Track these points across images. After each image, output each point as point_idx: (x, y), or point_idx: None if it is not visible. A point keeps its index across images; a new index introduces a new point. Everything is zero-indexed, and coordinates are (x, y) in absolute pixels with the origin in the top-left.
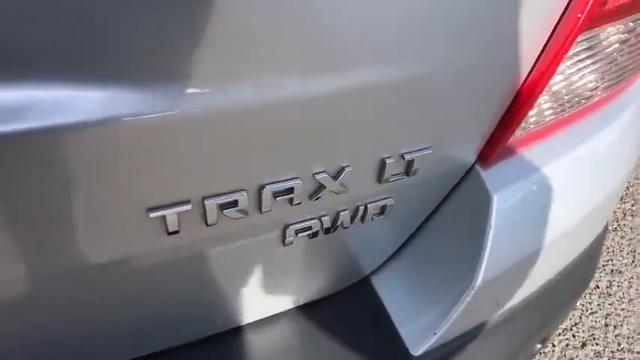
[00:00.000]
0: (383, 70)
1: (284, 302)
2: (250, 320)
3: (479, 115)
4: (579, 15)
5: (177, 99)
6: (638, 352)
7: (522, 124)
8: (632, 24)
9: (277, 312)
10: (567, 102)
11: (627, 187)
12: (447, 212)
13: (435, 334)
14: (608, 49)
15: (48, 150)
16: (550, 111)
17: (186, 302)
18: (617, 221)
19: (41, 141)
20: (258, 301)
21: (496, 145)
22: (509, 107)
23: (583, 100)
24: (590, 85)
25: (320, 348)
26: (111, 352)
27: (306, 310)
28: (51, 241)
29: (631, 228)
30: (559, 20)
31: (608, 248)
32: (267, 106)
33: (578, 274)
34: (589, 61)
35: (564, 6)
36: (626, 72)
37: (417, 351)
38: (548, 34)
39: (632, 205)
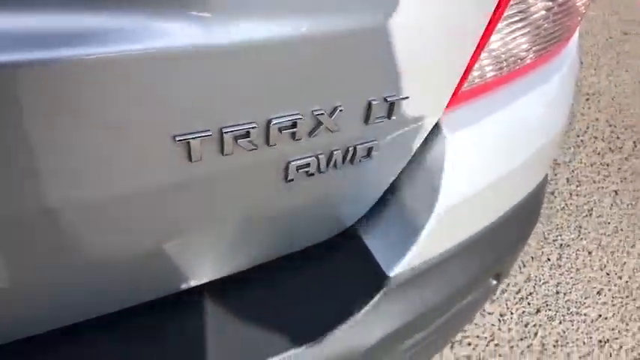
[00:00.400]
0: (371, 18)
1: (280, 248)
2: (249, 265)
3: (442, 68)
4: None
5: (207, 30)
6: (585, 315)
7: (469, 78)
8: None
9: (273, 258)
10: (505, 61)
11: (573, 170)
12: (416, 155)
13: (404, 258)
14: (535, 16)
15: (97, 75)
16: (490, 67)
17: (191, 242)
18: (565, 201)
19: (93, 66)
20: (259, 245)
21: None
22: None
23: (519, 61)
24: (524, 47)
25: (298, 278)
26: (105, 298)
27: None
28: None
29: (577, 207)
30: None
31: (557, 225)
32: (276, 44)
33: (525, 214)
34: (520, 25)
35: None
36: (554, 39)
37: (391, 273)
38: None
39: (577, 187)
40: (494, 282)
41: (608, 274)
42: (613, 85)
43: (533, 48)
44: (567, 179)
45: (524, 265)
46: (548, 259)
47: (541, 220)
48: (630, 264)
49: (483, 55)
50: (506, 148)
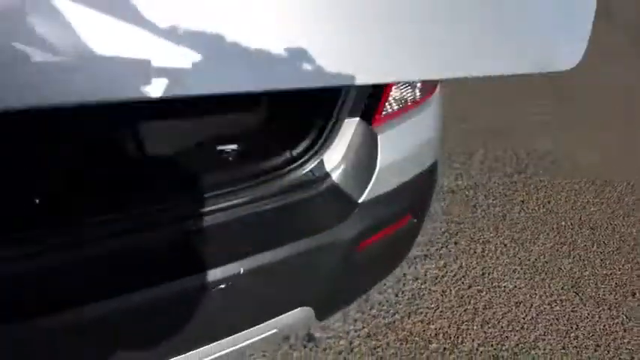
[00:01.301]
0: None
1: None
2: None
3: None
4: None
5: None
6: (504, 287)
7: (385, 109)
8: None
9: None
10: (400, 101)
11: (489, 189)
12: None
13: (364, 193)
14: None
15: None
16: (395, 104)
17: None
18: (484, 210)
19: None
20: None
21: (376, 115)
22: (379, 102)
23: (409, 100)
24: (409, 96)
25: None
26: None
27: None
28: None
29: (493, 214)
30: None
31: (479, 228)
32: None
33: (426, 181)
34: (406, 85)
35: None
36: (426, 91)
37: (359, 200)
38: None
39: (493, 200)
40: (415, 220)
41: (519, 259)
42: (518, 125)
43: (416, 96)
44: (485, 195)
45: (457, 258)
46: (475, 252)
47: (467, 226)
48: (535, 251)
49: (388, 100)
50: (407, 141)
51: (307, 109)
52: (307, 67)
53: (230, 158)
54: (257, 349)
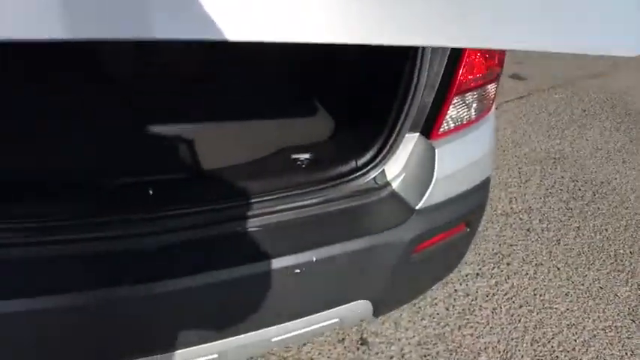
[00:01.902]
0: None
1: None
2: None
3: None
4: (453, 88)
5: None
6: (556, 308)
7: (442, 126)
8: (476, 93)
9: None
10: (456, 119)
11: (544, 214)
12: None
13: (421, 201)
14: (468, 101)
15: None
16: (452, 122)
17: None
18: (538, 235)
19: None
20: None
21: (434, 130)
22: (438, 118)
23: (464, 119)
24: (465, 115)
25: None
26: None
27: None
28: None
29: (547, 238)
30: (449, 89)
31: (532, 251)
32: None
33: (479, 193)
34: (463, 104)
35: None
36: (482, 109)
37: (416, 207)
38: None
39: (547, 225)
40: (467, 229)
41: (573, 283)
42: (575, 151)
43: (471, 115)
44: (539, 220)
45: (509, 278)
46: (527, 274)
47: (520, 249)
48: (590, 276)
49: (446, 119)
50: (462, 156)
51: (372, 123)
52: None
53: (303, 165)
54: (317, 340)
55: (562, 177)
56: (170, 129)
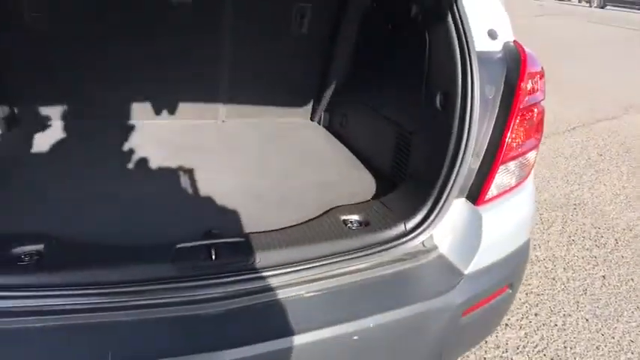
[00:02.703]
0: None
1: None
2: None
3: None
4: (500, 156)
5: None
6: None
7: (488, 193)
8: (520, 161)
9: None
10: (500, 186)
11: (568, 262)
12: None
13: (468, 266)
14: (511, 169)
15: None
16: (495, 189)
17: None
18: (564, 284)
19: None
20: None
21: (479, 197)
22: (484, 186)
23: (507, 186)
24: (506, 181)
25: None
26: None
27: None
28: None
29: (574, 288)
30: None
31: (559, 301)
32: None
33: (520, 255)
34: (506, 172)
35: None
36: (522, 176)
37: (465, 271)
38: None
39: (572, 274)
40: (510, 290)
41: (603, 336)
42: (594, 197)
43: (512, 181)
44: (564, 268)
45: (538, 329)
46: (556, 325)
47: (546, 298)
48: (620, 329)
49: (491, 187)
50: (506, 220)
51: (420, 186)
52: None
53: (353, 228)
54: None
55: (583, 224)
56: (222, 190)
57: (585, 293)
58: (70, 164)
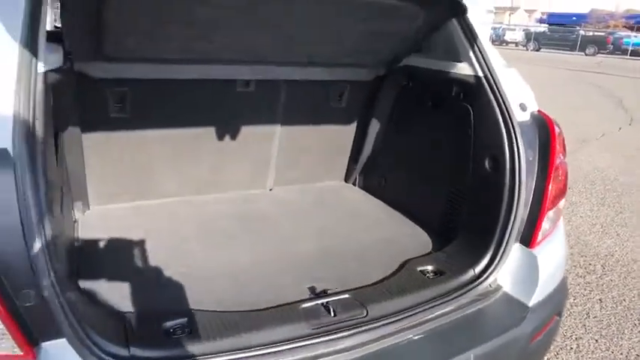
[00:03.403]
0: None
1: None
2: None
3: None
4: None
5: None
6: None
7: (537, 240)
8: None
9: None
10: (545, 230)
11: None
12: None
13: (530, 299)
14: (551, 215)
15: None
16: (541, 233)
17: None
18: (568, 310)
19: None
20: None
21: (533, 241)
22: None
23: (549, 229)
24: (549, 225)
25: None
26: None
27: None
28: None
29: (578, 312)
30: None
31: (569, 326)
32: None
33: (563, 287)
34: (547, 218)
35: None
36: (556, 220)
37: (529, 304)
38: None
39: (574, 300)
40: (558, 318)
41: (612, 352)
42: (574, 228)
43: (551, 226)
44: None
45: (557, 354)
46: (571, 348)
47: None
48: (625, 345)
49: (540, 230)
50: (553, 258)
51: (481, 238)
52: None
53: (431, 277)
54: None
55: (572, 253)
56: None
57: (589, 316)
58: (160, 243)
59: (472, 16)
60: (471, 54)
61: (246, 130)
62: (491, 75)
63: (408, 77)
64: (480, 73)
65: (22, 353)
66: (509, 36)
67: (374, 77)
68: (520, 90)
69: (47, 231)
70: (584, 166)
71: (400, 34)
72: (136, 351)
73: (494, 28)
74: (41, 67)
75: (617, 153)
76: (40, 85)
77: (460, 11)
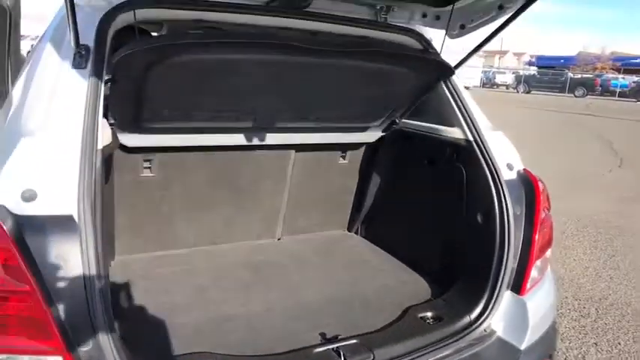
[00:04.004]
0: None
1: None
2: None
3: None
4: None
5: None
6: None
7: (527, 284)
8: (543, 258)
9: None
10: (533, 279)
11: (562, 333)
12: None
13: (522, 343)
14: (539, 265)
15: None
16: (530, 281)
17: None
18: (564, 353)
19: None
20: None
21: (522, 289)
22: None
23: (536, 278)
24: (537, 275)
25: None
26: None
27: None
28: None
29: (573, 356)
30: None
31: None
32: None
33: (554, 330)
34: (535, 267)
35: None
36: (544, 269)
37: (521, 347)
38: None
39: (569, 344)
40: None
41: None
42: (568, 271)
43: (539, 274)
44: (561, 339)
45: None
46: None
47: None
48: None
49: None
50: (542, 304)
51: (475, 286)
52: None
53: (431, 323)
54: None
55: (566, 297)
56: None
57: (584, 359)
58: (181, 292)
59: (459, 83)
60: (461, 119)
61: (258, 187)
62: (480, 138)
63: (406, 139)
64: (470, 137)
65: None
66: (499, 79)
67: (375, 140)
68: (507, 151)
69: (104, 289)
70: (576, 209)
71: (396, 96)
72: None
73: (484, 72)
74: (100, 144)
75: (607, 195)
76: (99, 159)
77: (447, 73)
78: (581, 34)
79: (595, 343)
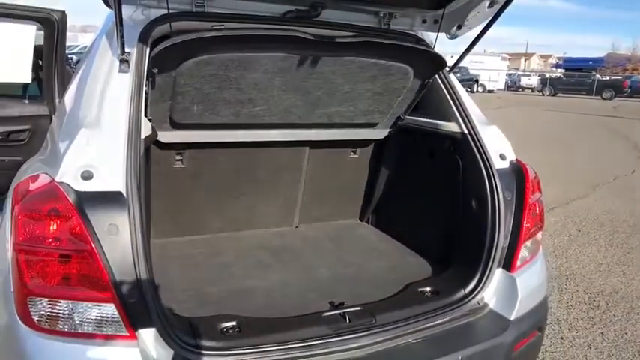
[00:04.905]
0: None
1: None
2: None
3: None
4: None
5: None
6: None
7: (517, 263)
8: (533, 239)
9: None
10: (523, 258)
11: (571, 323)
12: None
13: (512, 314)
14: (529, 245)
15: None
16: (520, 260)
17: None
18: (571, 341)
19: None
20: None
21: (512, 266)
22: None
23: (526, 257)
24: (526, 255)
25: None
26: None
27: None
28: None
29: (580, 344)
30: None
31: (570, 356)
32: None
33: (544, 306)
34: (525, 247)
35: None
36: (535, 250)
37: (511, 318)
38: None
39: (576, 333)
40: (539, 333)
41: None
42: (581, 267)
43: (530, 254)
44: (569, 329)
45: None
46: None
47: (559, 355)
48: None
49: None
50: (531, 281)
51: (470, 264)
52: None
53: (428, 295)
54: None
55: (577, 290)
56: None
57: (590, 348)
58: (209, 268)
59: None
60: (457, 114)
61: (276, 180)
62: (474, 131)
63: (409, 134)
64: (465, 131)
65: (128, 334)
66: (524, 81)
67: (383, 137)
68: (500, 143)
69: (147, 253)
70: (594, 209)
71: (398, 90)
72: (200, 342)
73: (509, 74)
74: (143, 134)
75: (628, 195)
76: (142, 147)
77: (441, 65)
78: (611, 35)
79: (602, 333)
